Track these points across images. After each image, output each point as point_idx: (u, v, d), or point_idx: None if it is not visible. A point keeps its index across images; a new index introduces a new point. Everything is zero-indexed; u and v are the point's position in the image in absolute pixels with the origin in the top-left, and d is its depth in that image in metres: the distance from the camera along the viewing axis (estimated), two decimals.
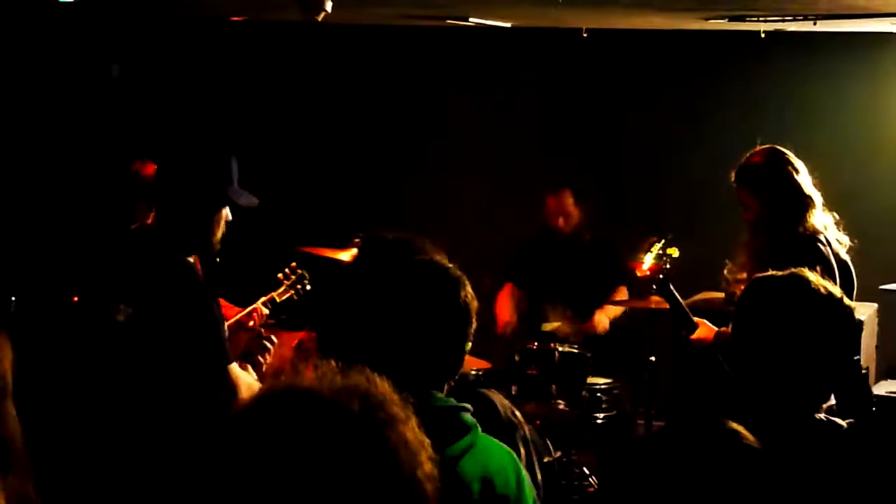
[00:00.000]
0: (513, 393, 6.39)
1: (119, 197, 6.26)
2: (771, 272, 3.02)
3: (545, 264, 7.17)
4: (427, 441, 1.75)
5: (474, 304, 2.74)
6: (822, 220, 5.09)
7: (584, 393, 6.49)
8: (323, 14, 5.62)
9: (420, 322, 2.69)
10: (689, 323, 5.33)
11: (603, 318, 7.02)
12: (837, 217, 5.12)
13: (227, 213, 4.16)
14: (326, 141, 8.70)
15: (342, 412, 1.67)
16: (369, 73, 8.60)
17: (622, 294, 7.11)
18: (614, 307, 7.06)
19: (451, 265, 2.78)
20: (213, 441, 1.70)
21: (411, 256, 2.86)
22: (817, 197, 5.10)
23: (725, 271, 5.23)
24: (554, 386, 6.35)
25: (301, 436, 1.65)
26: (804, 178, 5.09)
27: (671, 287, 5.45)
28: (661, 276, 5.48)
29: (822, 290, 2.92)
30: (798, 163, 5.12)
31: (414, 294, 2.72)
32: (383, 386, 1.74)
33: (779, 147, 5.19)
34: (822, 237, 5.00)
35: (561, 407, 6.36)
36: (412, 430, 1.72)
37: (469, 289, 2.74)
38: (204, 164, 4.12)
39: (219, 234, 4.11)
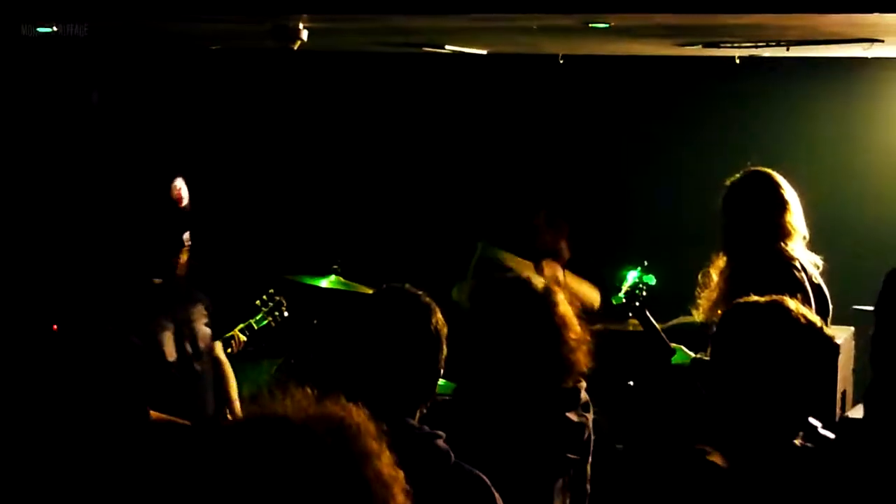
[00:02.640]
0: None
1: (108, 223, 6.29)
2: (753, 298, 3.04)
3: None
4: (401, 474, 1.75)
5: (445, 331, 2.75)
6: (798, 244, 5.08)
7: None
8: (299, 43, 5.65)
9: (391, 349, 2.70)
10: (666, 348, 5.35)
11: None
12: (806, 238, 5.13)
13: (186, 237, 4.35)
14: (304, 168, 8.71)
15: (316, 445, 1.67)
16: (347, 101, 8.62)
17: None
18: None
19: (420, 292, 2.79)
20: (189, 467, 1.70)
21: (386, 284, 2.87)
22: (798, 222, 5.07)
23: (697, 294, 5.23)
24: None
25: (275, 467, 1.65)
26: (786, 203, 5.06)
27: (647, 314, 5.47)
28: (636, 304, 5.51)
29: (803, 318, 2.94)
30: (784, 187, 5.07)
31: (384, 321, 2.73)
32: (359, 415, 1.74)
33: (764, 170, 5.16)
34: (797, 263, 5.00)
35: None
36: (386, 464, 1.73)
37: (440, 315, 2.75)
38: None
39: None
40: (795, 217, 5.07)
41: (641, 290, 5.55)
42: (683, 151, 7.91)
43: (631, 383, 6.77)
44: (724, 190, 5.19)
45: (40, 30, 6.52)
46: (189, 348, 4.80)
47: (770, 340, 2.90)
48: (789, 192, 5.10)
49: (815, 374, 2.93)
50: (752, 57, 6.93)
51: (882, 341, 3.90)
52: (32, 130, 7.95)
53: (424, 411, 2.75)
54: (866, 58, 6.93)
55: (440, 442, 2.67)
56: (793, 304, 2.98)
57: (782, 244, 5.01)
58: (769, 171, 5.16)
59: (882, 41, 5.96)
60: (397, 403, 2.67)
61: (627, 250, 6.42)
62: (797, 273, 4.94)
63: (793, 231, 5.04)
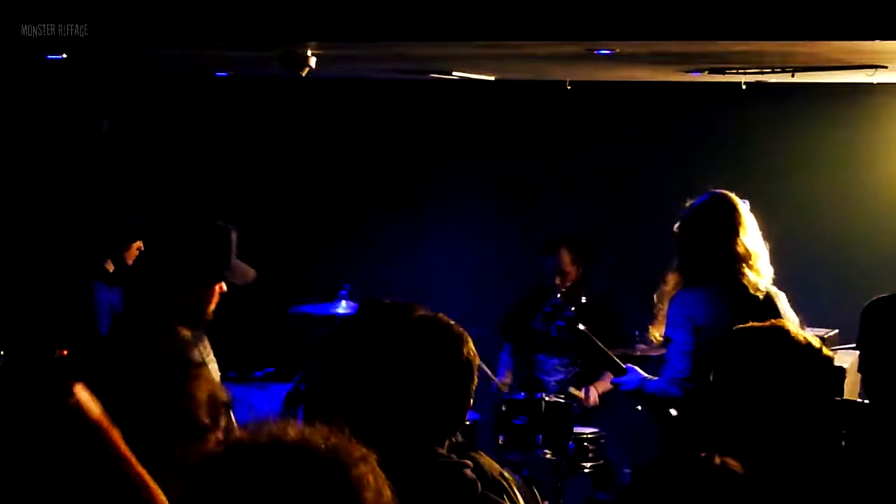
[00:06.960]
0: (500, 443, 6.41)
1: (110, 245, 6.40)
2: (752, 324, 3.09)
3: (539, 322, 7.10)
4: (387, 482, 1.81)
5: (476, 362, 2.74)
6: (758, 265, 4.96)
7: (570, 442, 6.51)
8: (307, 70, 5.68)
9: (422, 379, 2.70)
10: (617, 367, 5.32)
11: (594, 394, 7.03)
12: (764, 256, 5.06)
13: (221, 286, 4.16)
14: (312, 193, 8.76)
15: (309, 455, 1.75)
16: (355, 126, 8.66)
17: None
18: (604, 383, 7.09)
19: (452, 322, 2.79)
20: (187, 491, 1.77)
21: (412, 314, 2.85)
22: (753, 244, 4.93)
23: (655, 313, 5.19)
24: (540, 436, 6.37)
25: (271, 479, 1.73)
26: (737, 228, 4.92)
27: (585, 330, 5.49)
28: (564, 324, 5.55)
29: (803, 340, 3.00)
30: (740, 210, 4.97)
31: (416, 351, 2.73)
32: (343, 434, 1.82)
33: (721, 193, 5.05)
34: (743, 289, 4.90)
35: (548, 456, 6.37)
36: (373, 471, 1.79)
37: (471, 346, 2.75)
38: (204, 240, 4.12)
39: (211, 306, 4.10)
40: (750, 239, 4.96)
41: (568, 306, 5.61)
42: (690, 176, 7.91)
43: (639, 408, 6.78)
44: (682, 210, 5.15)
45: (50, 57, 6.59)
46: None
47: (770, 363, 2.99)
48: (745, 215, 4.97)
49: (818, 392, 2.98)
50: (758, 83, 6.96)
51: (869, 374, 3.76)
52: (44, 157, 8.01)
53: (453, 440, 2.75)
54: (871, 83, 6.96)
55: (468, 471, 2.67)
56: (792, 327, 3.05)
57: (738, 267, 4.92)
58: (726, 193, 5.05)
59: (886, 67, 6.00)
60: (427, 432, 2.68)
61: (632, 273, 6.44)
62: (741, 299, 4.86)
63: (748, 254, 4.96)
